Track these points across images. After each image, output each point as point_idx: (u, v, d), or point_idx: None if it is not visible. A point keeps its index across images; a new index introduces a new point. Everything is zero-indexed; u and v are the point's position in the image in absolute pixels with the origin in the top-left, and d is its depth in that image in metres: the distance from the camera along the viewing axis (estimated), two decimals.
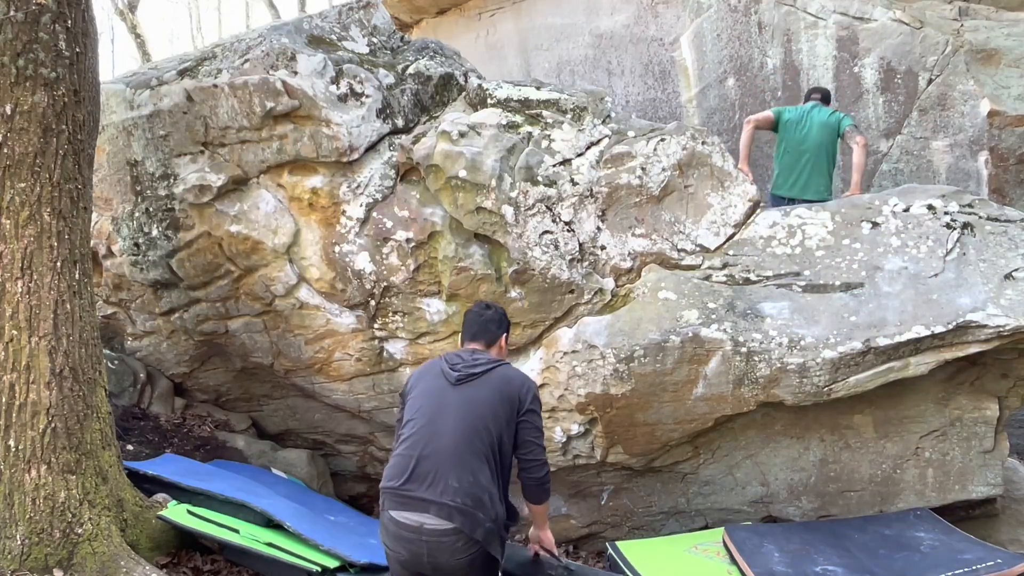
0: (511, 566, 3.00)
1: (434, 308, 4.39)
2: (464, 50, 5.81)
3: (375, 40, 4.95)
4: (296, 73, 4.34)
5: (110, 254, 4.74)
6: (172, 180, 4.55)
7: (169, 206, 4.58)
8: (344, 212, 4.40)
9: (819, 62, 6.20)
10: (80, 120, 3.41)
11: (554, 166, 4.21)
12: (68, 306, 3.34)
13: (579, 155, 4.25)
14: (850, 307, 3.83)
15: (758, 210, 4.22)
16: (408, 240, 4.30)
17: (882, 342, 3.71)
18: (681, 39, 6.86)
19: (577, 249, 4.17)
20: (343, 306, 4.53)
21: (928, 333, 3.69)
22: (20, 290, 3.24)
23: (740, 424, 4.15)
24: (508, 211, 4.15)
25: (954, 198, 4.11)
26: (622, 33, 7.19)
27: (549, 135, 4.31)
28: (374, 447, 5.17)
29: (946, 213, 4.02)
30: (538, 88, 4.58)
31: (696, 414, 4.01)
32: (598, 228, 4.19)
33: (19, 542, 3.12)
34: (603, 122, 4.41)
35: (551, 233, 4.16)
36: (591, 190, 4.16)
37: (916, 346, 3.73)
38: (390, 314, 4.47)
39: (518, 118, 4.40)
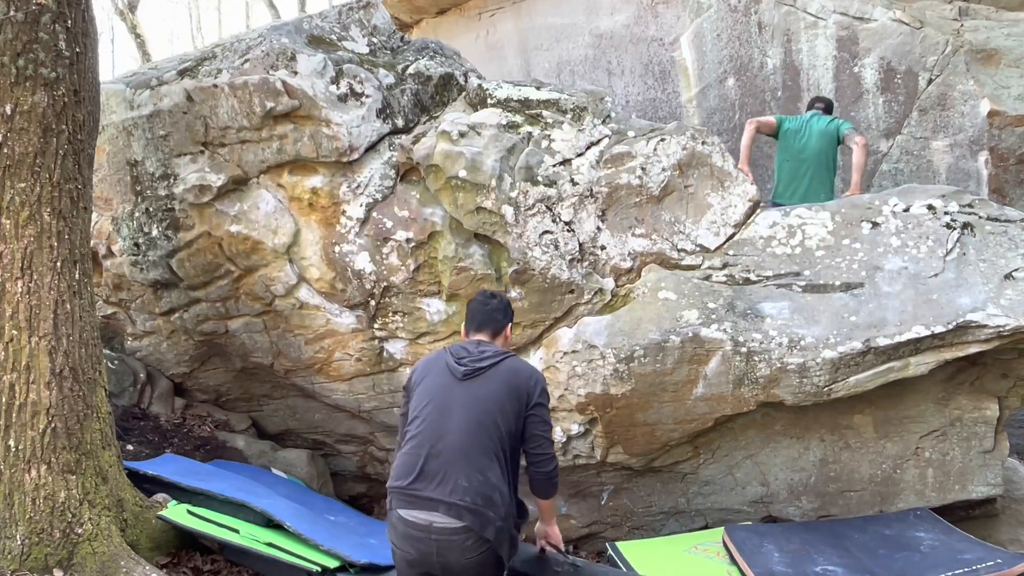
0: (517, 562, 2.98)
1: (434, 308, 4.39)
2: (464, 50, 5.81)
3: (375, 40, 4.95)
4: (296, 73, 4.34)
5: (110, 254, 4.75)
6: (172, 180, 4.55)
7: (169, 206, 4.58)
8: (344, 212, 4.40)
9: (819, 62, 6.20)
10: (80, 120, 3.41)
11: (554, 166, 4.21)
12: (68, 306, 3.34)
13: (579, 155, 4.25)
14: (850, 307, 3.83)
15: (758, 210, 4.22)
16: (408, 240, 4.30)
17: (882, 342, 3.71)
18: (681, 39, 6.86)
19: (577, 249, 4.17)
20: (343, 306, 4.53)
21: (928, 333, 3.69)
22: (20, 290, 3.24)
23: (740, 424, 4.15)
24: (508, 211, 4.15)
25: (954, 198, 4.11)
26: (622, 33, 7.19)
27: (549, 135, 4.31)
28: (374, 447, 5.17)
29: (946, 213, 4.02)
30: (538, 88, 4.58)
31: (696, 414, 4.01)
32: (598, 228, 4.19)
33: (19, 542, 3.12)
34: (603, 122, 4.41)
35: (551, 233, 4.16)
36: (591, 190, 4.16)
37: (916, 346, 3.73)
38: (390, 314, 4.47)
39: (518, 118, 4.40)
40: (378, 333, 4.54)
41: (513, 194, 4.15)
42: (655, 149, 4.18)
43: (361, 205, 4.38)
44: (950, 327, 3.68)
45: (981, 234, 3.95)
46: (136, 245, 4.67)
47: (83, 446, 3.32)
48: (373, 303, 4.46)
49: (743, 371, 3.85)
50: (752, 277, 4.03)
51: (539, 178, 4.18)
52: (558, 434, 4.23)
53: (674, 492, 4.46)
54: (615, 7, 7.21)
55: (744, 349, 3.82)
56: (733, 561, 3.61)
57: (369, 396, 4.77)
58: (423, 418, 2.72)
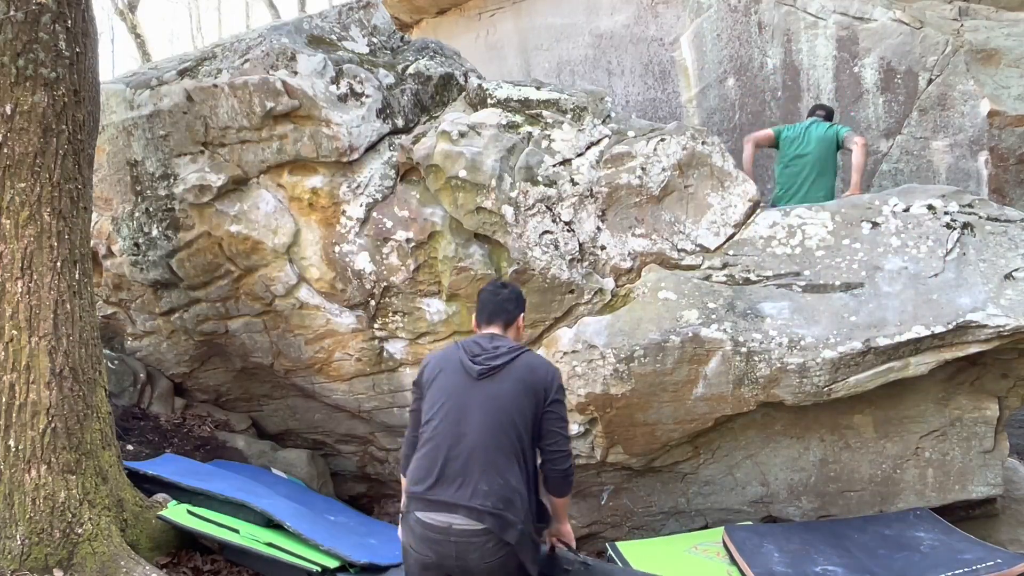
0: None
1: (434, 308, 4.39)
2: (464, 50, 5.81)
3: (375, 40, 4.95)
4: (296, 73, 4.34)
5: (110, 254, 4.75)
6: (172, 180, 4.55)
7: (169, 206, 4.58)
8: (344, 212, 4.40)
9: (819, 62, 6.20)
10: (80, 120, 3.41)
11: (554, 166, 4.21)
12: (68, 306, 3.34)
13: (579, 155, 4.25)
14: (850, 307, 3.83)
15: (758, 210, 4.22)
16: (408, 240, 4.30)
17: (882, 342, 3.71)
18: (681, 39, 6.86)
19: (577, 249, 4.17)
20: (343, 306, 4.53)
21: (928, 333, 3.69)
22: (20, 290, 3.24)
23: (740, 424, 4.15)
24: (508, 211, 4.15)
25: (954, 198, 4.11)
26: (622, 33, 7.19)
27: (549, 135, 4.31)
28: (374, 447, 5.17)
29: (946, 213, 4.02)
30: (538, 88, 4.58)
31: (696, 414, 4.01)
32: (598, 228, 4.19)
33: (19, 542, 3.12)
34: (603, 122, 4.41)
35: (551, 233, 4.16)
36: (591, 190, 4.16)
37: (916, 346, 3.73)
38: (390, 314, 4.47)
39: (518, 118, 4.40)
40: (378, 333, 4.54)
41: (513, 194, 4.15)
42: (655, 149, 4.18)
43: (361, 205, 4.38)
44: (950, 327, 3.68)
45: (981, 234, 3.95)
46: (136, 245, 4.67)
47: (83, 446, 3.32)
48: (373, 303, 4.46)
49: (743, 371, 3.85)
50: (752, 277, 4.03)
51: (539, 178, 4.18)
52: None
53: (674, 492, 4.46)
54: (615, 7, 7.21)
55: (744, 349, 3.82)
56: (733, 561, 3.61)
57: (369, 396, 4.77)
58: (439, 420, 2.65)
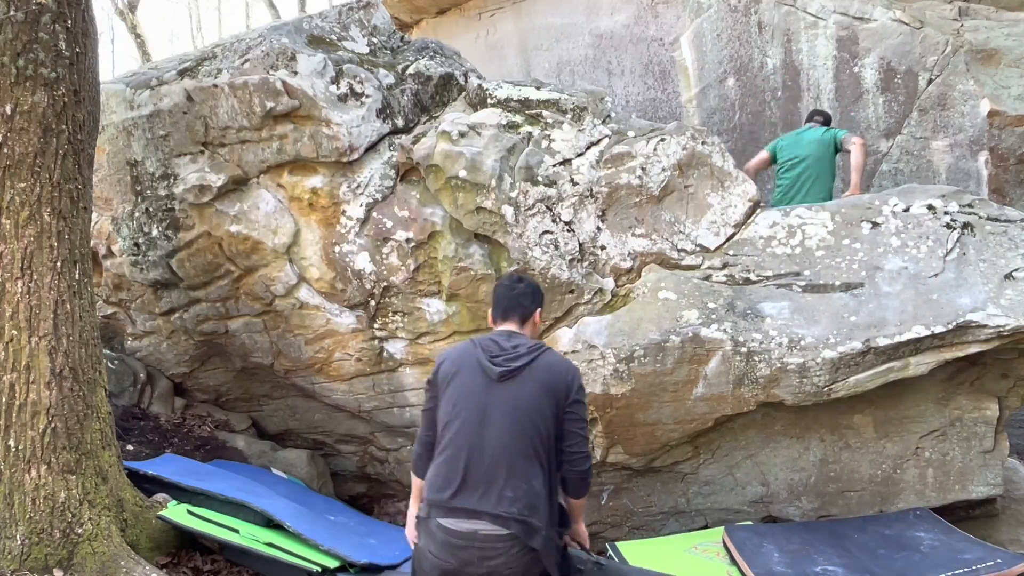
0: None
1: (434, 308, 4.39)
2: (464, 50, 5.81)
3: (375, 40, 4.95)
4: (296, 73, 4.34)
5: (110, 254, 4.75)
6: (172, 180, 4.55)
7: (169, 206, 4.58)
8: (344, 212, 4.40)
9: (819, 62, 6.21)
10: (80, 120, 3.41)
11: (554, 166, 4.21)
12: (68, 306, 3.34)
13: (579, 155, 4.25)
14: (850, 307, 3.83)
15: (758, 210, 4.22)
16: (408, 240, 4.30)
17: (882, 342, 3.71)
18: (681, 39, 6.86)
19: (577, 249, 4.17)
20: (343, 306, 4.53)
21: (928, 333, 3.69)
22: (20, 290, 3.24)
23: (740, 424, 4.15)
24: (508, 211, 4.15)
25: (954, 198, 4.10)
26: (622, 33, 7.19)
27: (549, 135, 4.31)
28: (374, 447, 5.17)
29: (946, 213, 4.02)
30: (538, 88, 4.58)
31: (696, 414, 4.01)
32: (598, 228, 4.19)
33: (19, 542, 3.12)
34: (603, 122, 4.41)
35: (551, 233, 4.16)
36: (591, 190, 4.16)
37: (916, 346, 3.73)
38: (390, 314, 4.47)
39: (518, 118, 4.40)
40: (378, 333, 4.54)
41: (513, 194, 4.15)
42: (655, 149, 4.18)
43: (361, 205, 4.38)
44: (950, 327, 3.68)
45: (981, 234, 3.95)
46: (136, 245, 4.67)
47: (83, 446, 3.31)
48: (373, 303, 4.46)
49: (743, 371, 3.85)
50: (752, 277, 4.03)
51: (539, 178, 4.18)
52: None
53: (674, 492, 4.46)
54: (615, 7, 7.21)
55: (744, 349, 3.82)
56: (733, 561, 3.61)
57: (369, 396, 4.77)
58: (459, 424, 2.58)
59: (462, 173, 4.18)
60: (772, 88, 6.44)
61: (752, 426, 4.16)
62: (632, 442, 4.16)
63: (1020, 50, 5.66)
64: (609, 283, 4.19)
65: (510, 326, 2.78)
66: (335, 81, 4.38)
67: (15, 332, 3.23)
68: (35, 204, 3.26)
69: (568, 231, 4.17)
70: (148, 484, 3.79)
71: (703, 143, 4.20)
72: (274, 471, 4.78)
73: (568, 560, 2.91)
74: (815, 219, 4.15)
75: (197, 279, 4.67)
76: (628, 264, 4.18)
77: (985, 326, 3.65)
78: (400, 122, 4.55)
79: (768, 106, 6.46)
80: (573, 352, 4.04)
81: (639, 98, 7.18)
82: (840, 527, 3.91)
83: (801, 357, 3.77)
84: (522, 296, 2.81)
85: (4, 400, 3.21)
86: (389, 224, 4.34)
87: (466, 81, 4.76)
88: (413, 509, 2.84)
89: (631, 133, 4.34)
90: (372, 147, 4.45)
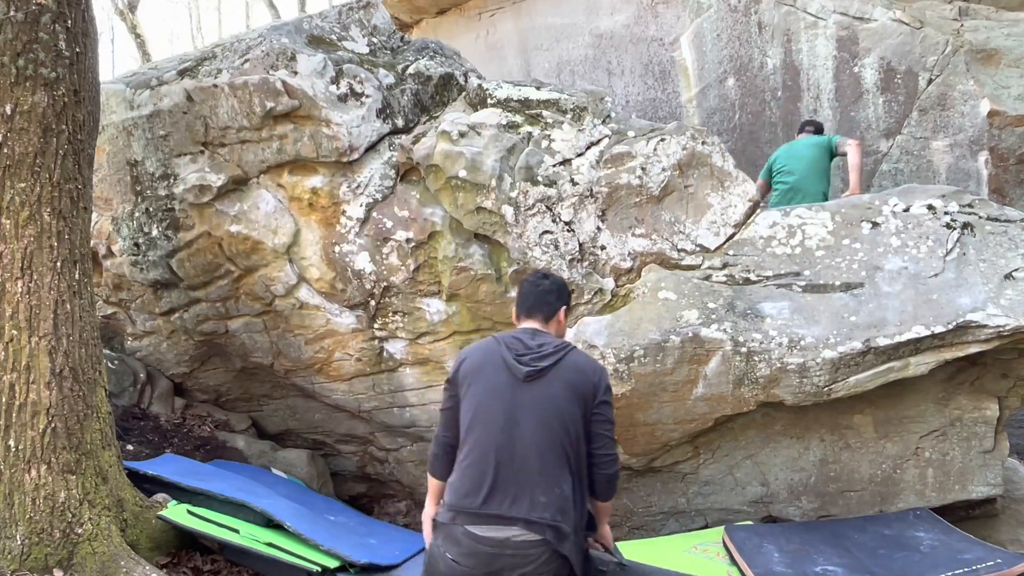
0: None
1: (434, 308, 4.39)
2: (464, 50, 5.81)
3: (375, 40, 4.95)
4: (296, 73, 4.34)
5: (110, 254, 4.75)
6: (172, 180, 4.55)
7: (169, 206, 4.58)
8: (344, 212, 4.40)
9: (819, 62, 6.21)
10: (80, 120, 3.41)
11: (554, 166, 4.21)
12: (68, 306, 3.34)
13: (579, 155, 4.25)
14: (850, 307, 3.83)
15: (758, 210, 4.22)
16: (408, 240, 4.30)
17: (882, 342, 3.71)
18: (681, 39, 6.87)
19: (577, 249, 4.17)
20: (343, 306, 4.53)
21: (928, 333, 3.69)
22: (20, 290, 3.24)
23: (740, 424, 4.15)
24: (508, 211, 4.15)
25: (954, 198, 4.10)
26: (622, 33, 7.19)
27: (549, 135, 4.31)
28: (374, 447, 5.17)
29: (946, 213, 4.02)
30: (538, 88, 4.58)
31: (696, 414, 4.01)
32: (598, 228, 4.19)
33: (19, 542, 3.12)
34: (603, 122, 4.41)
35: (551, 233, 4.16)
36: (591, 190, 4.16)
37: (916, 346, 3.73)
38: (390, 314, 4.47)
39: (518, 118, 4.40)
40: (378, 333, 4.54)
41: (513, 194, 4.15)
42: (655, 149, 4.18)
43: (361, 205, 4.38)
44: (950, 327, 3.67)
45: (981, 234, 3.95)
46: (136, 245, 4.67)
47: (83, 446, 3.32)
48: (373, 303, 4.46)
49: (743, 371, 3.85)
50: (752, 277, 4.03)
51: (539, 178, 4.18)
52: None
53: (674, 492, 4.46)
54: (615, 7, 7.22)
55: (744, 349, 3.82)
56: (733, 561, 3.61)
57: (369, 396, 4.77)
58: (485, 425, 2.50)
59: (462, 173, 4.18)
60: (772, 88, 6.44)
61: (752, 426, 4.16)
62: (632, 442, 4.16)
63: (1020, 50, 5.66)
64: (609, 283, 4.19)
65: (534, 324, 2.72)
66: (335, 81, 4.38)
67: (15, 332, 3.23)
68: (35, 204, 3.26)
69: (568, 231, 4.17)
70: (148, 484, 3.79)
71: (703, 143, 4.20)
72: (274, 471, 4.78)
73: (590, 562, 2.87)
74: (815, 219, 4.15)
75: (197, 279, 4.67)
76: (628, 264, 4.18)
77: (985, 326, 3.65)
78: (400, 122, 4.55)
79: (768, 106, 6.47)
80: None
81: (639, 98, 7.19)
82: (840, 527, 3.91)
83: (801, 357, 3.77)
84: (547, 293, 2.75)
85: (4, 400, 3.21)
86: (389, 224, 4.34)
87: (466, 81, 4.76)
88: (430, 510, 2.73)
89: (631, 133, 4.34)
90: (372, 147, 4.45)
